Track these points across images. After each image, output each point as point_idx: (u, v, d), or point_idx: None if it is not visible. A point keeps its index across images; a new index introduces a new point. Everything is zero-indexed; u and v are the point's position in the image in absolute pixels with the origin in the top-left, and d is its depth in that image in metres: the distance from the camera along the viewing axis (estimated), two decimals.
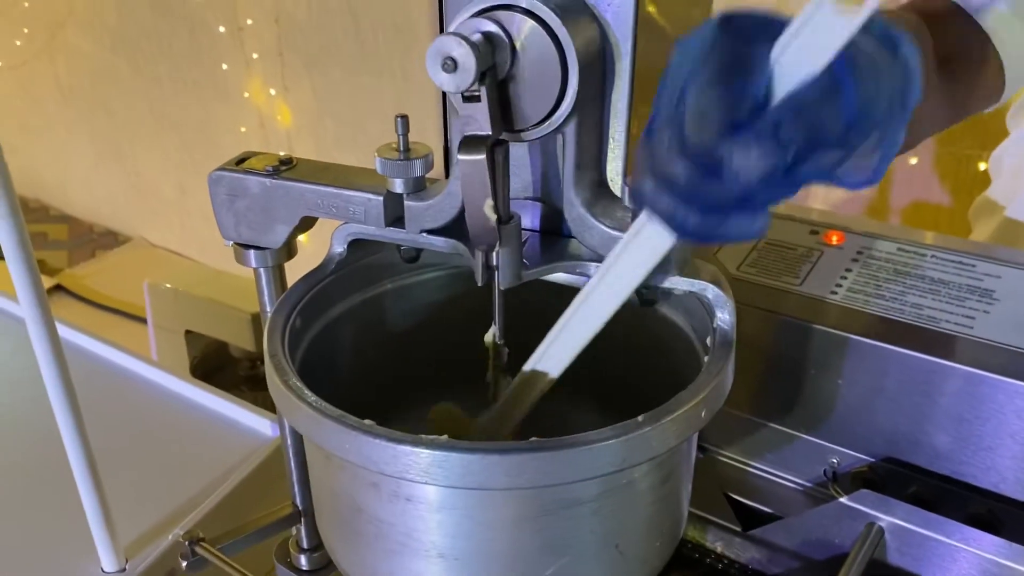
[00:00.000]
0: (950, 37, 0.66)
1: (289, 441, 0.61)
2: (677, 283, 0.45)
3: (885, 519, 0.57)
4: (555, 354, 0.44)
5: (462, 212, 0.45)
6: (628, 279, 0.40)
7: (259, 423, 0.93)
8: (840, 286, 0.64)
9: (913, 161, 1.37)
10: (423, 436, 0.38)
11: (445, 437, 0.38)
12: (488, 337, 0.49)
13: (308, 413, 0.40)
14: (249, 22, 2.12)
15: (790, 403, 0.65)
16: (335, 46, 1.99)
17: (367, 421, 0.39)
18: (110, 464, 0.75)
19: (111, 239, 2.81)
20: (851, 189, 0.32)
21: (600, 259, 0.45)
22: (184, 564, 0.60)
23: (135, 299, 1.96)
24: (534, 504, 0.39)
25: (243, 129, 2.27)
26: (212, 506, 0.81)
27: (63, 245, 2.81)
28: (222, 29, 2.17)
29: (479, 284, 0.45)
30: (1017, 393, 0.55)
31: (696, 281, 0.45)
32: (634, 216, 0.41)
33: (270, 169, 0.50)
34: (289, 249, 0.54)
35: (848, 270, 0.65)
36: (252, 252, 0.53)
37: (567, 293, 0.51)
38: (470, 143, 0.40)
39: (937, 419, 0.59)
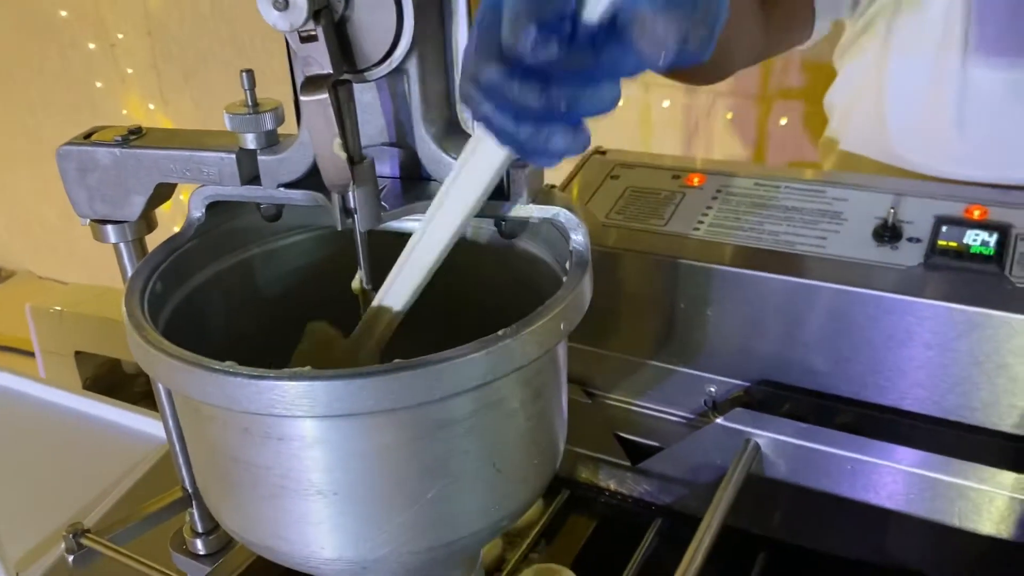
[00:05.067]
0: None
1: (171, 423, 0.60)
2: (532, 211, 0.46)
3: (760, 434, 0.60)
4: (401, 286, 0.44)
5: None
6: (468, 198, 0.41)
7: (153, 426, 0.92)
8: (702, 222, 0.67)
9: (783, 122, 1.43)
10: (285, 369, 0.38)
11: (308, 368, 0.38)
12: (355, 283, 0.49)
13: (169, 363, 0.40)
14: (120, 36, 2.06)
15: (666, 339, 0.67)
16: (212, 54, 1.96)
17: (228, 362, 0.39)
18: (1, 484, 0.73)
19: None
20: (685, 64, 0.33)
21: None
22: (71, 559, 0.59)
23: (23, 333, 1.88)
24: (407, 427, 0.40)
25: None
26: (107, 509, 0.79)
27: None
28: (92, 46, 2.11)
29: (339, 228, 0.45)
30: (868, 301, 0.59)
31: (549, 207, 0.46)
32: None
33: (119, 139, 0.50)
34: (148, 222, 0.53)
35: (709, 207, 0.68)
36: (110, 227, 0.52)
37: None
38: (311, 83, 0.41)
39: (801, 336, 0.62)
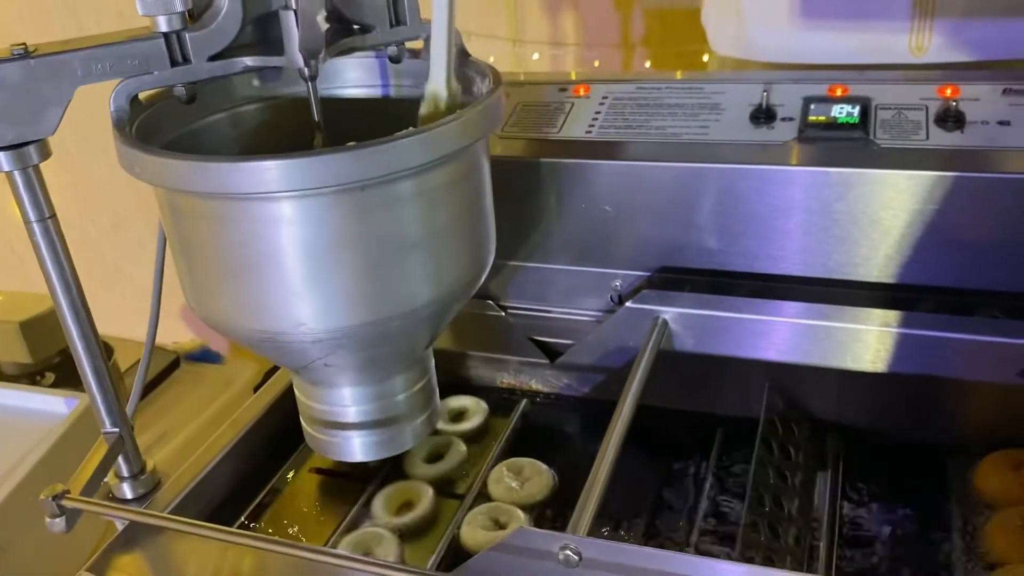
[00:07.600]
0: None
1: (88, 368, 0.58)
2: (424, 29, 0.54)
3: (667, 310, 0.63)
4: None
5: (241, 29, 0.50)
6: None
7: (50, 403, 0.88)
8: (593, 126, 0.70)
9: (647, 65, 1.49)
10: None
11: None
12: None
13: (185, 164, 0.44)
14: None
15: (570, 242, 0.70)
16: None
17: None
18: None
19: None
20: None
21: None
22: (55, 523, 0.55)
23: None
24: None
25: None
26: (14, 485, 0.76)
27: None
28: None
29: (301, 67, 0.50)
30: (752, 176, 0.63)
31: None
32: None
33: (19, 53, 0.48)
34: (45, 147, 0.52)
35: (598, 113, 0.71)
36: (3, 155, 0.50)
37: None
38: None
39: (695, 220, 0.66)
